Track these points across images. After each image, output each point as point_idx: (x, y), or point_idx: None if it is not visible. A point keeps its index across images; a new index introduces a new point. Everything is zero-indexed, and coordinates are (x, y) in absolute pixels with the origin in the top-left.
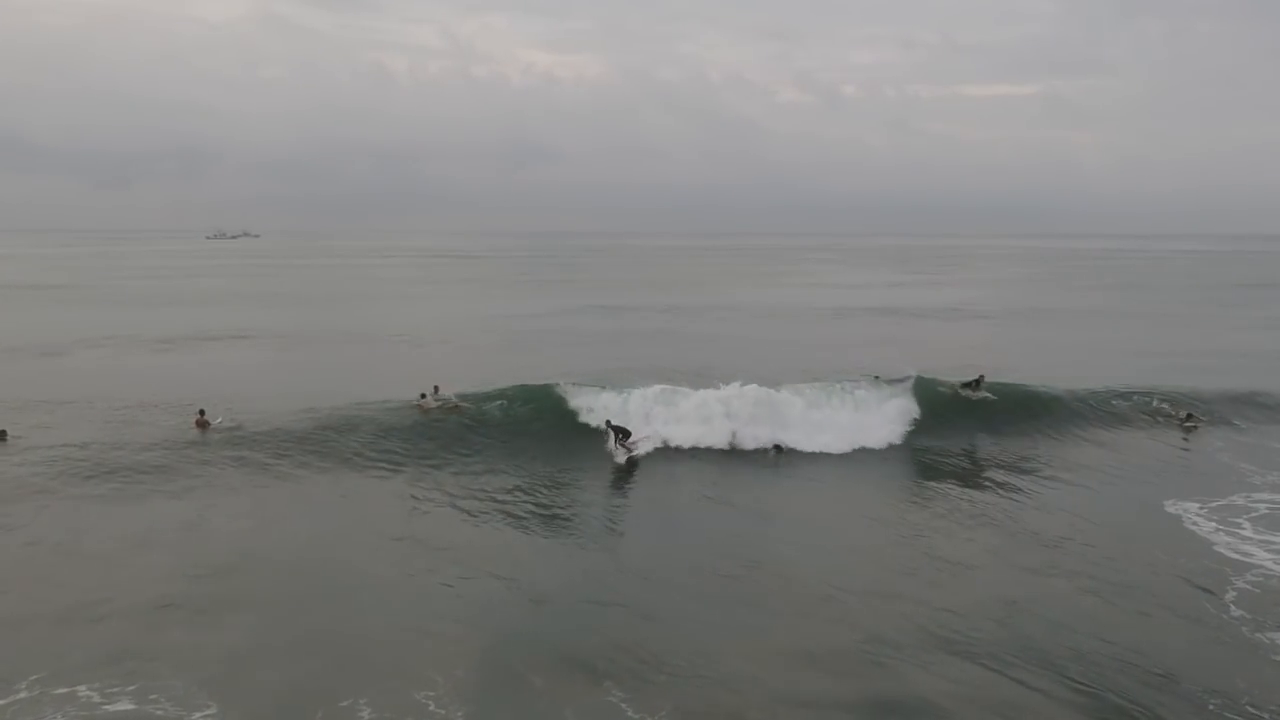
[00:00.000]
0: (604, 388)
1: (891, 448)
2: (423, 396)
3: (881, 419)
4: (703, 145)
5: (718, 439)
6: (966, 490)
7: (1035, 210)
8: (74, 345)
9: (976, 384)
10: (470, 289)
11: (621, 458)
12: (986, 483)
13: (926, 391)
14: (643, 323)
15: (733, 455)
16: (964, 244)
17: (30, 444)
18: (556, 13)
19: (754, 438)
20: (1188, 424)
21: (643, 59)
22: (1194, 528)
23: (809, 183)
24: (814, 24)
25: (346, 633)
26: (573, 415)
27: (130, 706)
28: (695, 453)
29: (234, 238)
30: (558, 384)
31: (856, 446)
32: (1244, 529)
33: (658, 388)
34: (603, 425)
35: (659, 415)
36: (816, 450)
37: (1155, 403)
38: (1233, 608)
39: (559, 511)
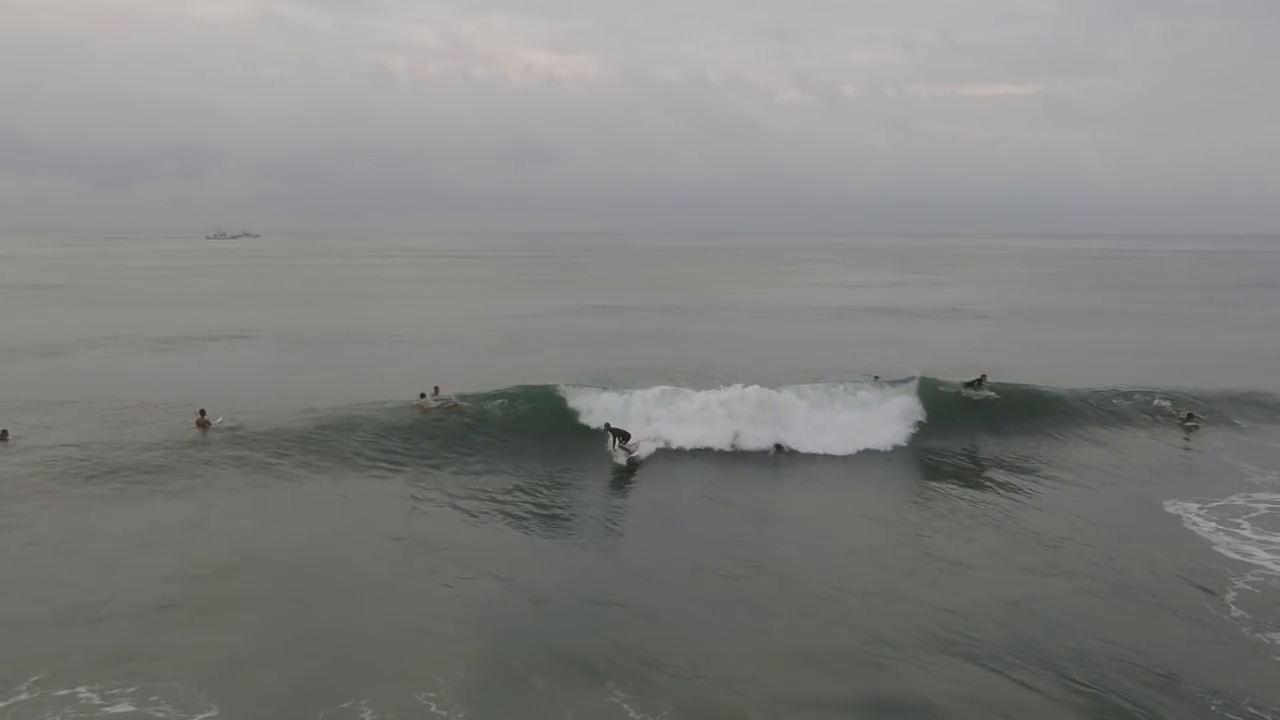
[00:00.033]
0: (605, 388)
1: (894, 448)
2: (422, 396)
3: (884, 419)
4: (703, 145)
5: (720, 440)
6: (967, 490)
7: (1035, 210)
8: (74, 345)
9: (979, 383)
10: (470, 289)
11: (622, 459)
12: (987, 482)
13: (929, 391)
14: (643, 323)
15: (733, 456)
16: (964, 244)
17: (31, 444)
18: (556, 13)
19: (756, 439)
20: (1188, 423)
21: (643, 59)
22: (1194, 528)
23: (809, 183)
24: (814, 24)
25: (347, 633)
26: (573, 416)
27: (131, 708)
28: (696, 453)
29: (234, 238)
30: (558, 384)
31: (860, 448)
32: (1243, 529)
33: (659, 389)
34: (602, 428)
35: (660, 417)
36: (820, 452)
37: (1156, 401)
38: (1233, 608)
39: (559, 512)
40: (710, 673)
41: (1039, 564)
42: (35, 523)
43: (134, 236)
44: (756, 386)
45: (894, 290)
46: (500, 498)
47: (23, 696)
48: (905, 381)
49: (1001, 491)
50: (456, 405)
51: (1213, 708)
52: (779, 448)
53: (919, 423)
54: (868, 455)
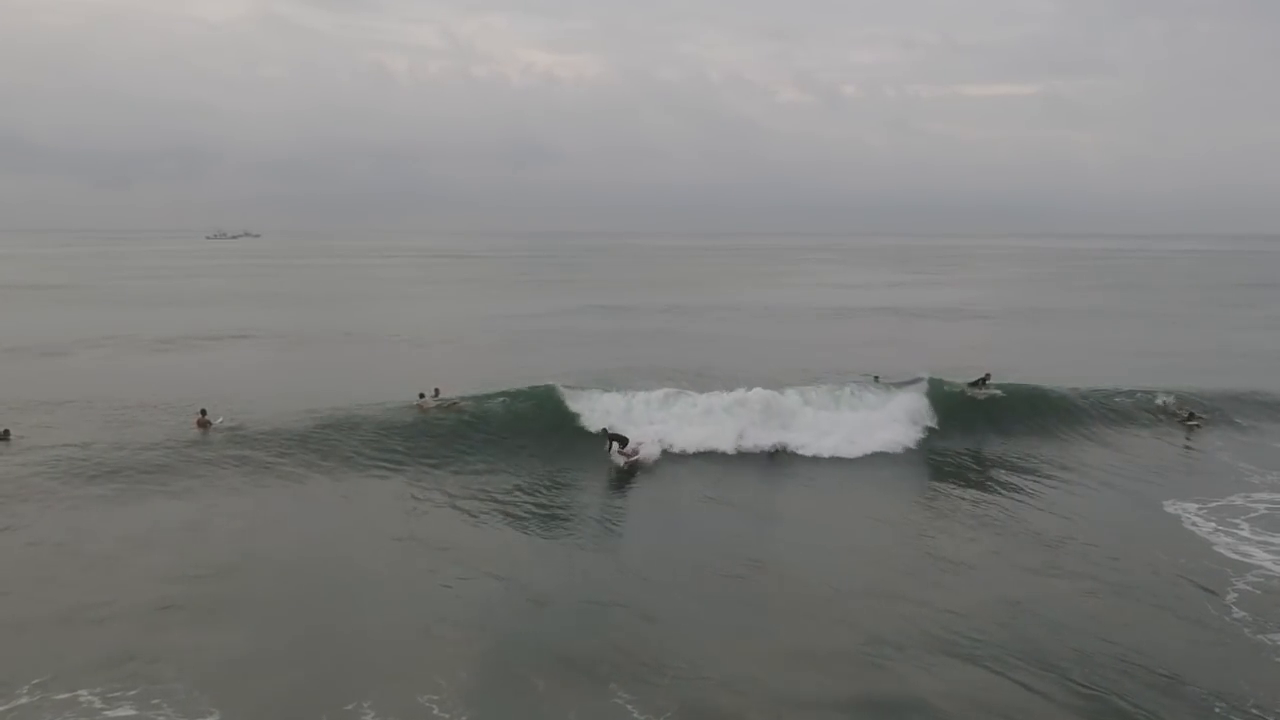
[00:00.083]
0: (607, 390)
1: (896, 449)
2: (421, 396)
3: (888, 421)
4: (703, 145)
5: (724, 443)
6: (969, 490)
7: (1035, 210)
8: (75, 345)
9: (982, 382)
10: (470, 289)
11: (621, 463)
12: (989, 482)
13: (934, 392)
14: (643, 323)
15: (734, 457)
16: (964, 244)
17: (32, 444)
18: (556, 13)
19: (759, 441)
20: (1190, 422)
21: (643, 59)
22: (1193, 528)
23: (809, 183)
24: (814, 24)
25: (348, 634)
26: (573, 417)
27: (132, 712)
28: (698, 454)
29: (234, 238)
30: (558, 385)
31: (864, 450)
32: (1242, 529)
33: (662, 391)
34: (599, 433)
35: (663, 419)
36: (824, 454)
37: (1158, 400)
38: (1234, 609)
39: (559, 512)
40: (712, 673)
41: (1040, 564)
42: (36, 523)
43: (134, 236)
44: (760, 389)
45: (894, 290)
46: (500, 498)
47: (23, 700)
48: (913, 383)
49: (1003, 491)
50: (454, 404)
51: (1216, 710)
52: (777, 450)
53: (923, 424)
54: (870, 456)
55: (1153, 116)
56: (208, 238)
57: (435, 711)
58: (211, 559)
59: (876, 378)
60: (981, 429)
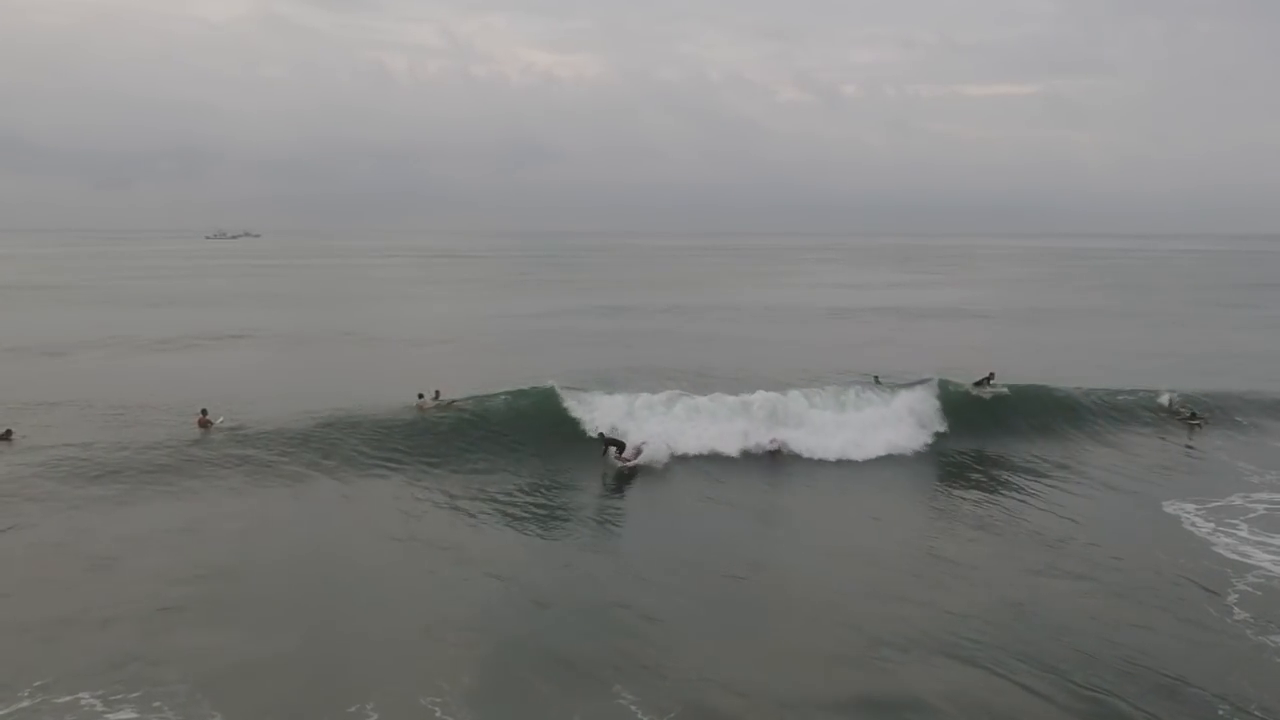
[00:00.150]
0: (610, 392)
1: (899, 451)
2: (420, 397)
3: (894, 423)
4: (703, 145)
5: (728, 445)
6: (971, 491)
7: (1035, 210)
8: (75, 345)
9: (986, 381)
10: (470, 289)
11: (619, 466)
12: (991, 483)
13: (939, 392)
14: (643, 323)
15: (737, 459)
16: (964, 244)
17: (33, 444)
18: (556, 13)
19: (763, 443)
20: (1192, 421)
21: (643, 59)
22: (1192, 529)
23: (809, 182)
24: (814, 24)
25: (350, 636)
26: (573, 418)
27: (133, 715)
28: (699, 456)
29: (234, 238)
30: (559, 387)
31: (868, 452)
32: (1241, 530)
33: (665, 394)
34: (597, 437)
35: (665, 421)
36: (830, 458)
37: (1160, 398)
38: (1236, 610)
39: (561, 513)
40: (715, 675)
41: (1042, 565)
42: (38, 523)
43: (134, 236)
44: (763, 392)
45: (894, 290)
46: (501, 498)
47: (25, 702)
48: (919, 383)
49: (1005, 491)
50: (452, 402)
51: (1220, 712)
52: (781, 452)
53: (929, 424)
54: (874, 457)
55: (1153, 116)
56: (208, 238)
57: (438, 714)
58: (213, 559)
59: (877, 378)
60: (986, 429)
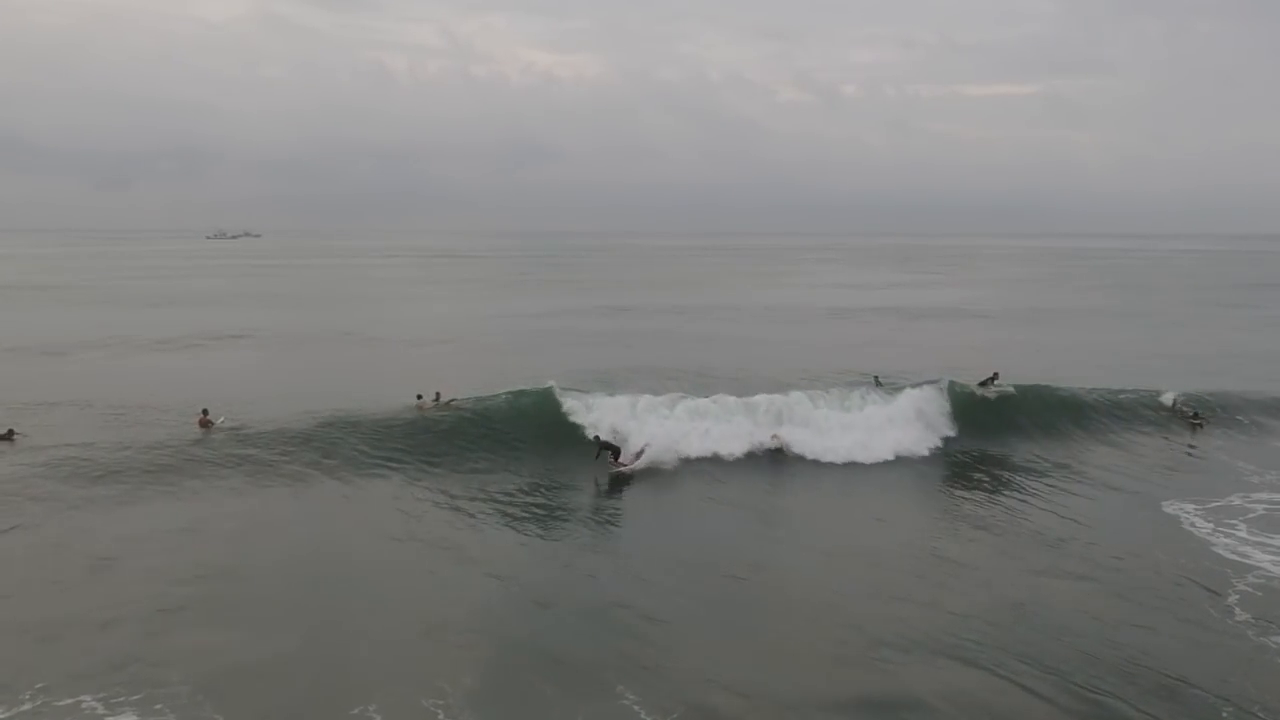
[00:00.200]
0: (613, 394)
1: (905, 453)
2: (419, 398)
3: (899, 424)
4: (703, 145)
5: (730, 447)
6: (974, 491)
7: (1035, 210)
8: (76, 346)
9: (991, 381)
10: (470, 289)
11: (615, 470)
12: (994, 483)
13: (944, 393)
14: (643, 323)
15: (740, 460)
16: (964, 244)
17: (35, 444)
18: (556, 13)
19: (767, 445)
20: (1194, 421)
21: (643, 59)
22: (1192, 529)
23: (809, 182)
24: (814, 24)
25: (352, 637)
26: (574, 419)
27: (134, 718)
28: (701, 458)
29: (234, 238)
30: (559, 387)
31: (879, 458)
32: (1240, 530)
33: (668, 395)
34: (593, 439)
35: (668, 424)
36: (838, 461)
37: (1164, 397)
38: (1237, 610)
39: (562, 514)
40: (717, 675)
41: (1043, 565)
42: (39, 523)
43: (134, 236)
44: (765, 395)
45: (894, 290)
46: (501, 499)
47: (26, 705)
48: (929, 384)
49: (1007, 491)
50: (450, 402)
51: (1223, 715)
52: (785, 453)
53: (935, 426)
54: (881, 460)
55: (1153, 116)
56: (208, 238)
57: (440, 716)
58: (214, 559)
59: (877, 378)
60: (990, 429)
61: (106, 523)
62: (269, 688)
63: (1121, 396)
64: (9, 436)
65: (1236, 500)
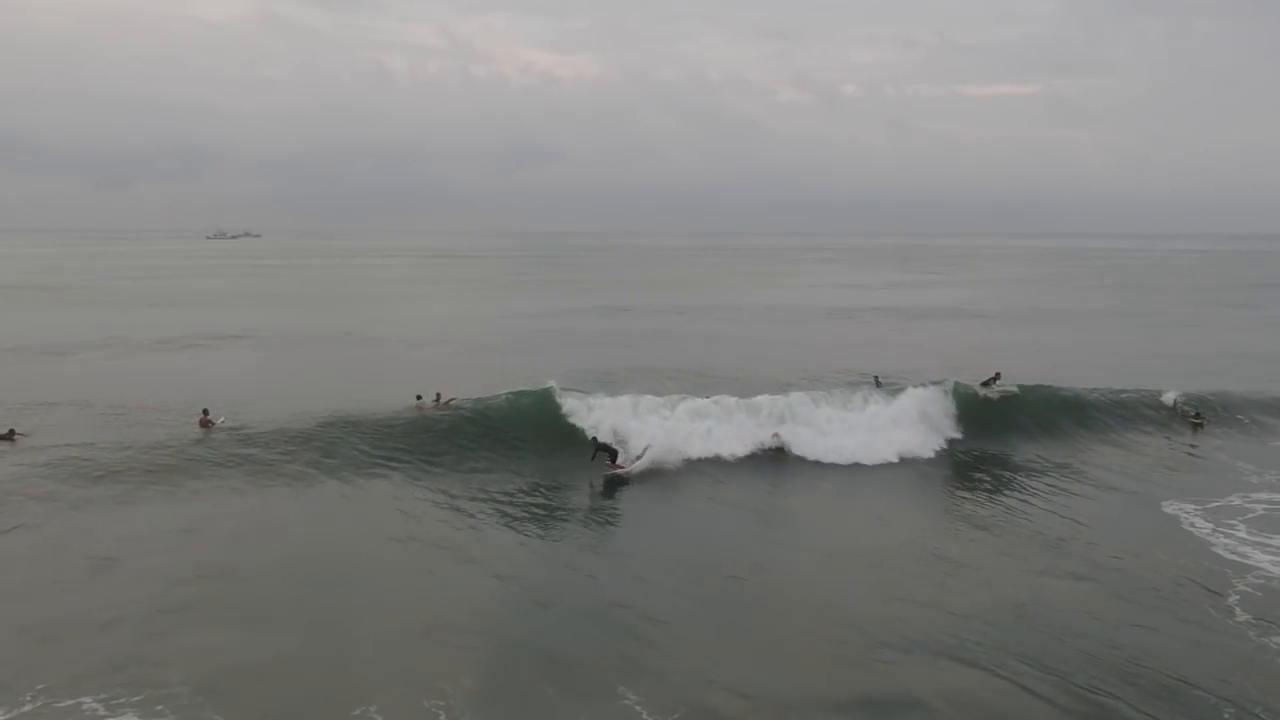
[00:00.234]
0: (614, 394)
1: (909, 455)
2: (418, 399)
3: (903, 425)
4: (703, 145)
5: (732, 447)
6: (975, 491)
7: (1035, 210)
8: (76, 346)
9: (993, 381)
10: (470, 289)
11: (611, 473)
12: (995, 483)
13: (948, 393)
14: (643, 323)
15: (742, 461)
16: (964, 244)
17: (36, 444)
18: (556, 13)
19: (766, 440)
20: (1195, 420)
21: (643, 59)
22: (1191, 529)
23: (809, 182)
24: (814, 24)
25: (353, 637)
26: (574, 420)
27: (134, 719)
28: (702, 458)
29: (234, 238)
30: (559, 387)
31: (883, 459)
32: (1239, 530)
33: (669, 396)
34: (590, 440)
35: (669, 425)
36: (843, 462)
37: (1165, 396)
38: (1237, 611)
39: (562, 514)
40: (719, 676)
41: (1044, 566)
42: (40, 523)
43: (134, 236)
44: (767, 396)
45: (894, 290)
46: (501, 499)
47: (27, 707)
48: (935, 384)
49: (1008, 491)
50: (450, 402)
51: (1225, 716)
52: (787, 454)
53: (938, 427)
54: (885, 462)
55: (1153, 116)
56: (208, 238)
57: (442, 718)
58: (214, 560)
59: (877, 378)
60: (993, 429)
61: (107, 523)
62: (270, 689)
63: (1123, 396)
64: (10, 436)
65: (1236, 500)
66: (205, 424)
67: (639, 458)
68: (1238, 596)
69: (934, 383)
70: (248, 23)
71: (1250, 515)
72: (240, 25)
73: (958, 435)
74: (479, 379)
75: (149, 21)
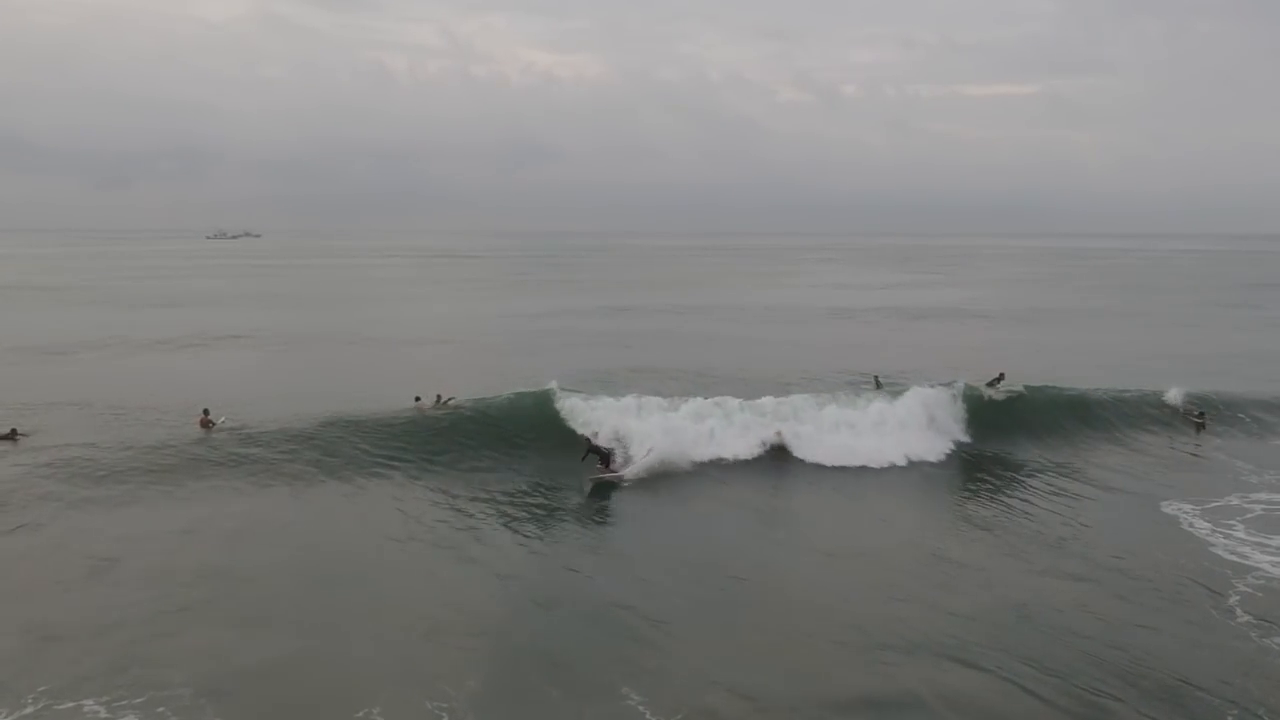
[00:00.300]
0: (617, 396)
1: (915, 457)
2: (418, 399)
3: (907, 427)
4: (703, 145)
5: (736, 449)
6: (977, 492)
7: (1035, 210)
8: (76, 346)
9: (997, 381)
10: (470, 289)
11: (601, 476)
12: (996, 483)
13: (952, 394)
14: (643, 323)
15: (743, 462)
16: (964, 244)
17: (37, 444)
18: (556, 12)
19: (768, 438)
20: (1198, 420)
21: (643, 59)
22: (1190, 529)
23: (809, 182)
24: (814, 24)
25: (354, 638)
26: (574, 421)
27: None
28: (703, 459)
29: (234, 238)
30: (560, 389)
31: (888, 461)
32: (1238, 531)
33: (670, 398)
34: (583, 439)
35: (670, 425)
36: (849, 465)
37: (1168, 396)
38: (1238, 611)
39: (563, 514)
40: (721, 677)
41: (1045, 566)
42: (41, 524)
43: (134, 236)
44: (771, 398)
45: (894, 290)
46: (502, 499)
47: (28, 709)
48: (944, 386)
49: (1010, 491)
50: (449, 401)
51: (1228, 718)
52: (784, 446)
53: (947, 430)
54: (891, 465)
55: (1153, 116)
56: (208, 238)
57: (445, 719)
58: (215, 560)
59: (877, 379)
60: (996, 429)
61: (108, 523)
62: (273, 690)
63: (1126, 396)
64: (11, 436)
65: (1235, 500)
66: (206, 424)
67: (637, 461)
68: (1238, 597)
69: (942, 384)
70: (248, 23)
71: (1249, 515)
72: (240, 25)
73: (966, 439)
74: (479, 379)
75: (149, 21)
